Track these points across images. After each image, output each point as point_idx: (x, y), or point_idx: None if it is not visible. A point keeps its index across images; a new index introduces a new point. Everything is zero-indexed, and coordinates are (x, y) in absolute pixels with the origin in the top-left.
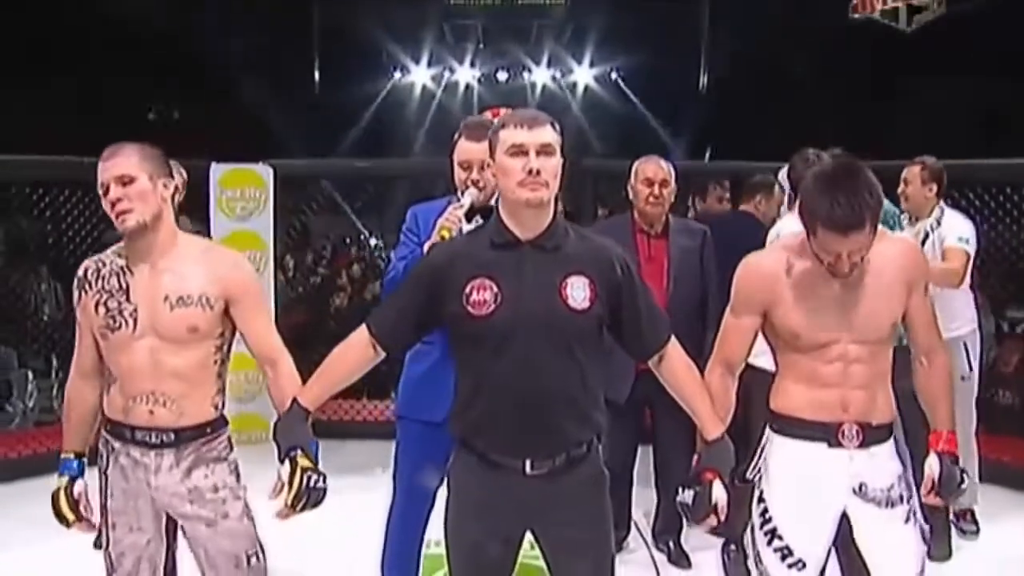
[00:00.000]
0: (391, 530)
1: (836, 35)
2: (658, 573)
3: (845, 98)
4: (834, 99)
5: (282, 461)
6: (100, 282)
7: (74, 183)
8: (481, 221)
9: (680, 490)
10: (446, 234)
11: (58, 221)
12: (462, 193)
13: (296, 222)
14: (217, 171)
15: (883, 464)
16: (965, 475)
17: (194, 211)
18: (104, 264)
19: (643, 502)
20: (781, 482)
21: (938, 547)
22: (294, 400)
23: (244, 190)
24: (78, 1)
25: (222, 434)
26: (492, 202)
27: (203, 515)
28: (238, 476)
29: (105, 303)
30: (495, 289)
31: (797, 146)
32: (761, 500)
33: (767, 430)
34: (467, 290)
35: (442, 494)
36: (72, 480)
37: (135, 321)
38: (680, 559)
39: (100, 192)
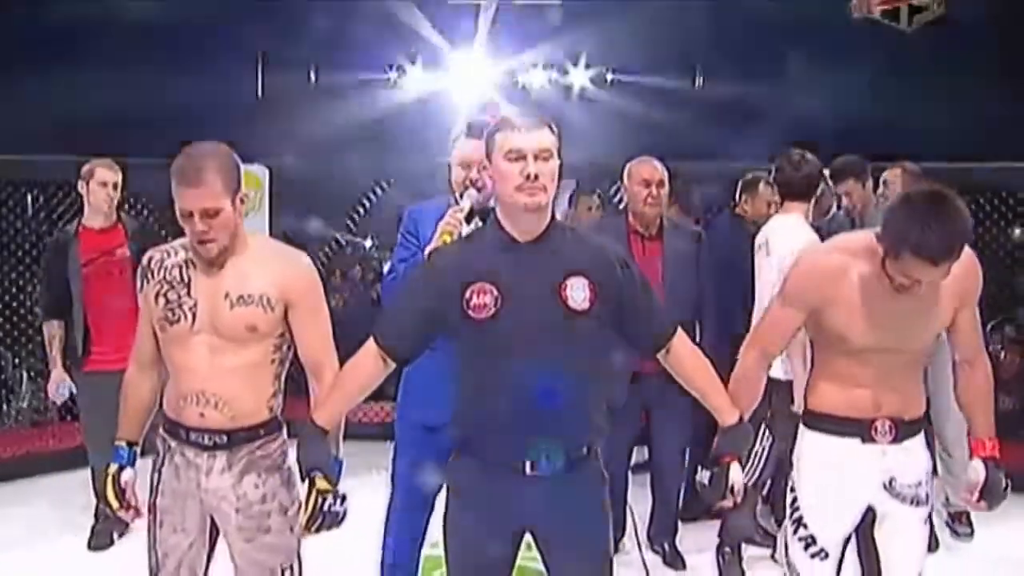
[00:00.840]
0: (389, 532)
1: (834, 35)
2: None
3: (843, 99)
4: (832, 100)
5: (303, 481)
6: (163, 272)
7: (67, 183)
8: (480, 223)
9: (699, 469)
10: (447, 238)
11: (53, 222)
12: (460, 195)
13: (292, 223)
14: None
15: (915, 458)
16: (1009, 480)
17: None
18: (168, 255)
19: (638, 504)
20: (812, 475)
21: None
22: (310, 420)
23: None
24: None
25: (277, 437)
26: (491, 204)
27: (244, 527)
28: (290, 487)
29: (165, 294)
30: (495, 292)
31: (792, 147)
32: (792, 490)
33: (800, 426)
34: (467, 294)
35: (441, 496)
36: (121, 468)
37: (194, 316)
38: (675, 561)
39: (180, 213)
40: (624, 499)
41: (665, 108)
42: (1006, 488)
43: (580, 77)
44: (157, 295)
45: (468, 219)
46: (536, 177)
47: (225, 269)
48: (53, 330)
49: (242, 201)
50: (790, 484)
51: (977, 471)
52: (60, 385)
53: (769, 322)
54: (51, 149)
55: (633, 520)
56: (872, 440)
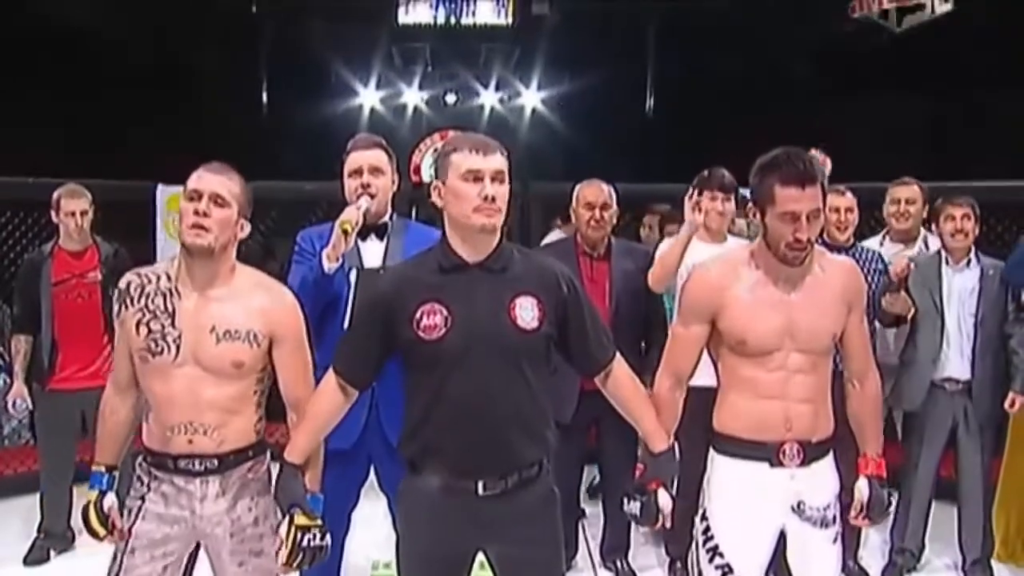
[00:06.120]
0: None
1: (783, 53)
2: None
3: (792, 116)
4: (782, 118)
5: (283, 517)
6: (144, 300)
7: (18, 203)
8: (375, 239)
9: (626, 500)
10: (348, 227)
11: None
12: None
13: (242, 245)
14: (163, 193)
15: (823, 481)
16: (892, 497)
17: (141, 233)
18: (150, 281)
19: (590, 521)
20: (724, 500)
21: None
22: (283, 459)
23: None
24: (23, 14)
25: (264, 459)
26: (387, 219)
27: (238, 551)
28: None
29: (148, 324)
30: (445, 312)
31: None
32: (704, 518)
33: (710, 450)
34: (417, 315)
35: (381, 515)
36: (102, 494)
37: (178, 348)
38: None
39: (184, 194)
40: (576, 516)
41: None
42: (888, 505)
43: (532, 98)
44: (139, 324)
45: (363, 234)
46: (493, 199)
47: (210, 301)
48: (20, 345)
49: (242, 228)
50: (700, 511)
51: (861, 491)
52: (18, 400)
53: (675, 345)
54: None
55: (585, 537)
56: (780, 464)
